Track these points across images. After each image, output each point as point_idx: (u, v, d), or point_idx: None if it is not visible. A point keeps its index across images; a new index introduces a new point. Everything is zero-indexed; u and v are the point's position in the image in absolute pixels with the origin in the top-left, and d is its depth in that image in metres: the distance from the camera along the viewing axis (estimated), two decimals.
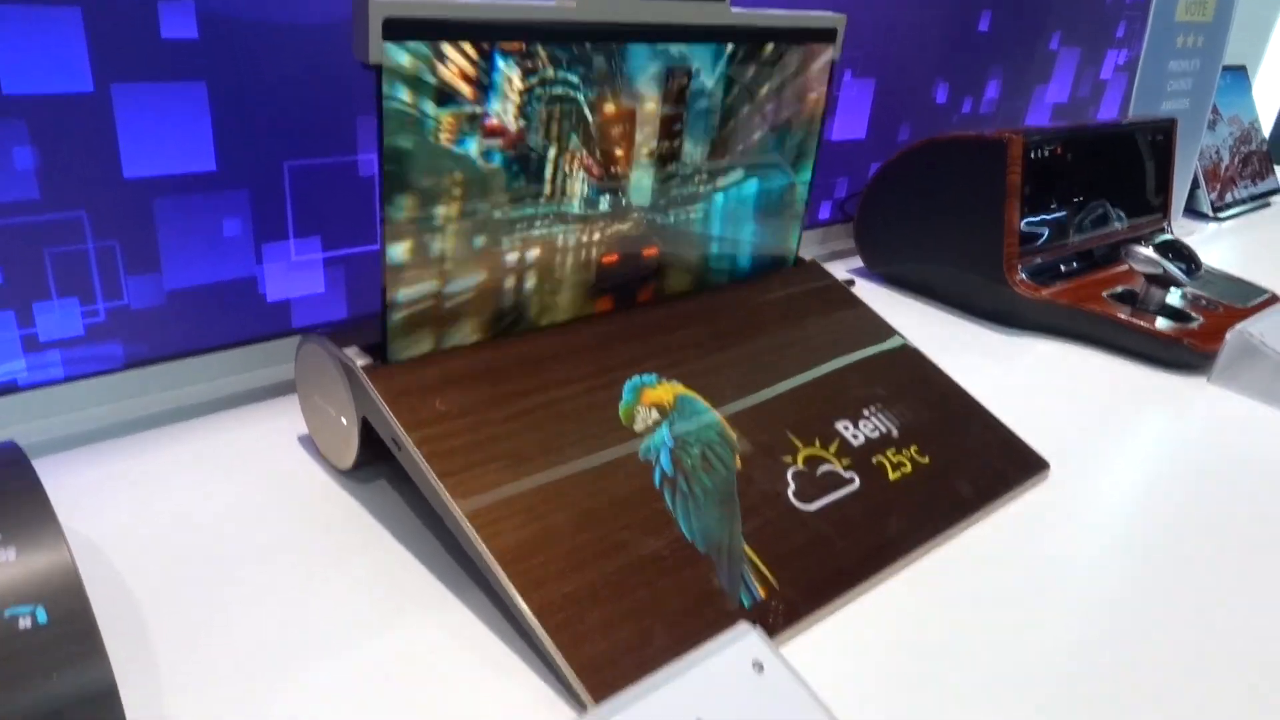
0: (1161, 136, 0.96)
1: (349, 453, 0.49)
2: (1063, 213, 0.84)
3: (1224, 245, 1.15)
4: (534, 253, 0.51)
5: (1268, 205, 1.38)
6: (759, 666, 0.34)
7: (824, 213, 0.98)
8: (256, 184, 0.56)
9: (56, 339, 0.52)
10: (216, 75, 0.52)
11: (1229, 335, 0.74)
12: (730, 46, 0.54)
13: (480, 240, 0.48)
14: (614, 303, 0.56)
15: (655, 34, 0.50)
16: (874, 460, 0.53)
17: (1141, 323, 0.77)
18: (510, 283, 0.51)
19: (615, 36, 0.49)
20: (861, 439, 0.54)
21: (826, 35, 0.61)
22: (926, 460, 0.54)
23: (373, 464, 0.51)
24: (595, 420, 0.49)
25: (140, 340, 0.55)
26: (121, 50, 0.49)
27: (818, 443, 0.53)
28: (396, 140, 0.43)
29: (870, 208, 0.88)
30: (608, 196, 0.53)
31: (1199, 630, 0.45)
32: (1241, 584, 0.49)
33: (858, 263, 0.93)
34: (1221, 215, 1.26)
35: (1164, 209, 0.99)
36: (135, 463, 0.51)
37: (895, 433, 0.55)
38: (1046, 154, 0.81)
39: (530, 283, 0.51)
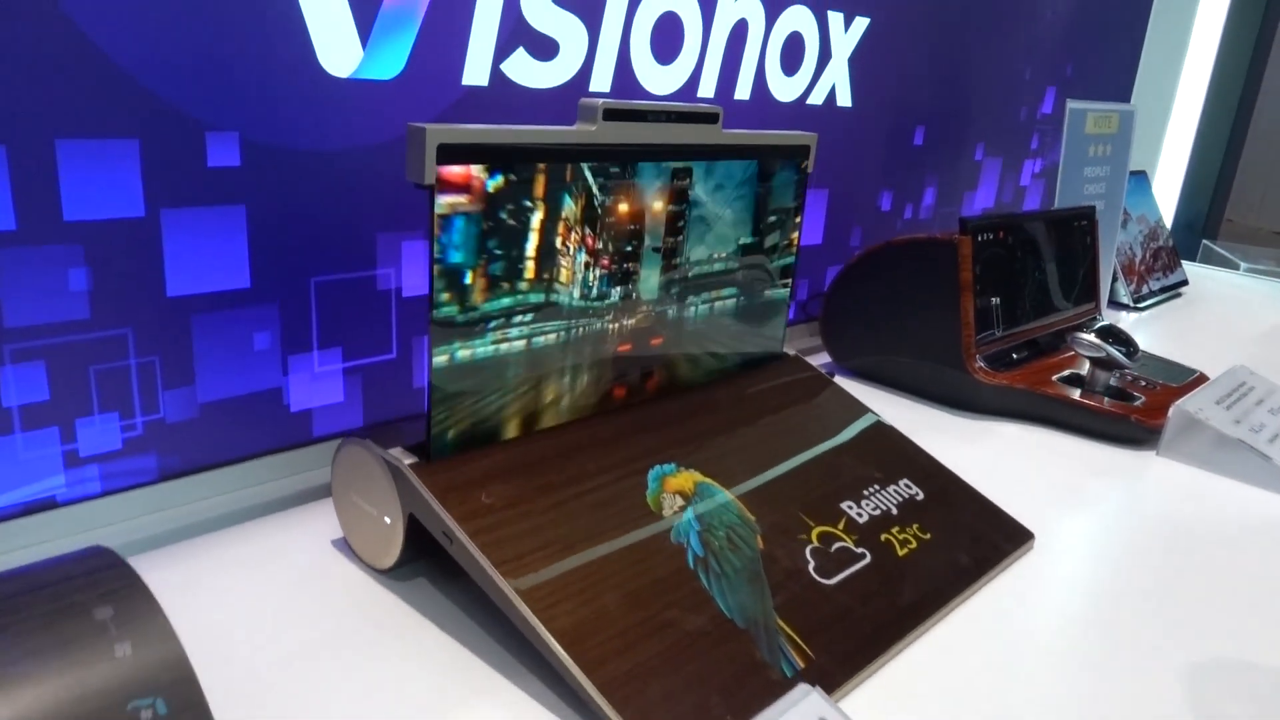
0: (1085, 222, 1.06)
1: (391, 551, 0.51)
2: (1009, 302, 0.92)
3: (1148, 332, 1.25)
4: (565, 350, 0.55)
5: (1179, 295, 1.50)
6: None
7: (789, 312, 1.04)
8: (285, 299, 0.59)
9: (96, 453, 0.53)
10: (254, 198, 0.56)
11: (1171, 411, 0.81)
12: (725, 168, 0.61)
13: (519, 344, 0.52)
14: (626, 392, 0.60)
15: (660, 153, 0.56)
16: (882, 538, 0.57)
17: (1093, 403, 0.83)
18: (544, 380, 0.54)
19: (629, 155, 0.54)
20: (866, 517, 0.58)
21: (802, 152, 0.67)
22: (928, 536, 0.58)
23: (409, 563, 0.53)
24: (627, 507, 0.52)
25: (174, 452, 0.57)
26: (172, 177, 0.52)
27: (828, 521, 0.57)
28: (446, 253, 0.47)
29: (835, 306, 0.94)
30: (622, 290, 0.57)
31: (1171, 671, 0.50)
32: (1204, 632, 0.54)
33: (824, 358, 0.99)
34: (1141, 305, 1.37)
35: (1094, 297, 1.08)
36: (173, 572, 0.52)
37: (895, 511, 0.60)
38: (991, 239, 0.89)
39: (561, 378, 0.55)
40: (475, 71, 0.65)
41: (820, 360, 0.99)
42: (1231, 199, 2.24)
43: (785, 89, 0.92)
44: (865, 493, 0.60)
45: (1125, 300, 1.36)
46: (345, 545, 0.55)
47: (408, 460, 0.49)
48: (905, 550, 0.57)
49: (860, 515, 0.58)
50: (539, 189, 0.50)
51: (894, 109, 1.09)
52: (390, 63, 0.60)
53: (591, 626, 0.44)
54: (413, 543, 0.51)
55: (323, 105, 0.58)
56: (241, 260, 0.57)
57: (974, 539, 0.60)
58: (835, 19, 0.95)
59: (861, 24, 0.98)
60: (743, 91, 0.87)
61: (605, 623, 0.45)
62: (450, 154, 0.46)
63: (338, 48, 0.57)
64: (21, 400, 0.50)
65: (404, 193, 0.63)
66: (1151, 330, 1.26)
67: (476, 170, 0.47)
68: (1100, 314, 1.08)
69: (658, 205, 0.57)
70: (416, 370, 0.68)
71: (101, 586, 0.35)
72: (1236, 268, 1.89)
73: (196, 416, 0.57)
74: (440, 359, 0.49)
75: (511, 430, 0.53)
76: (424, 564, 0.54)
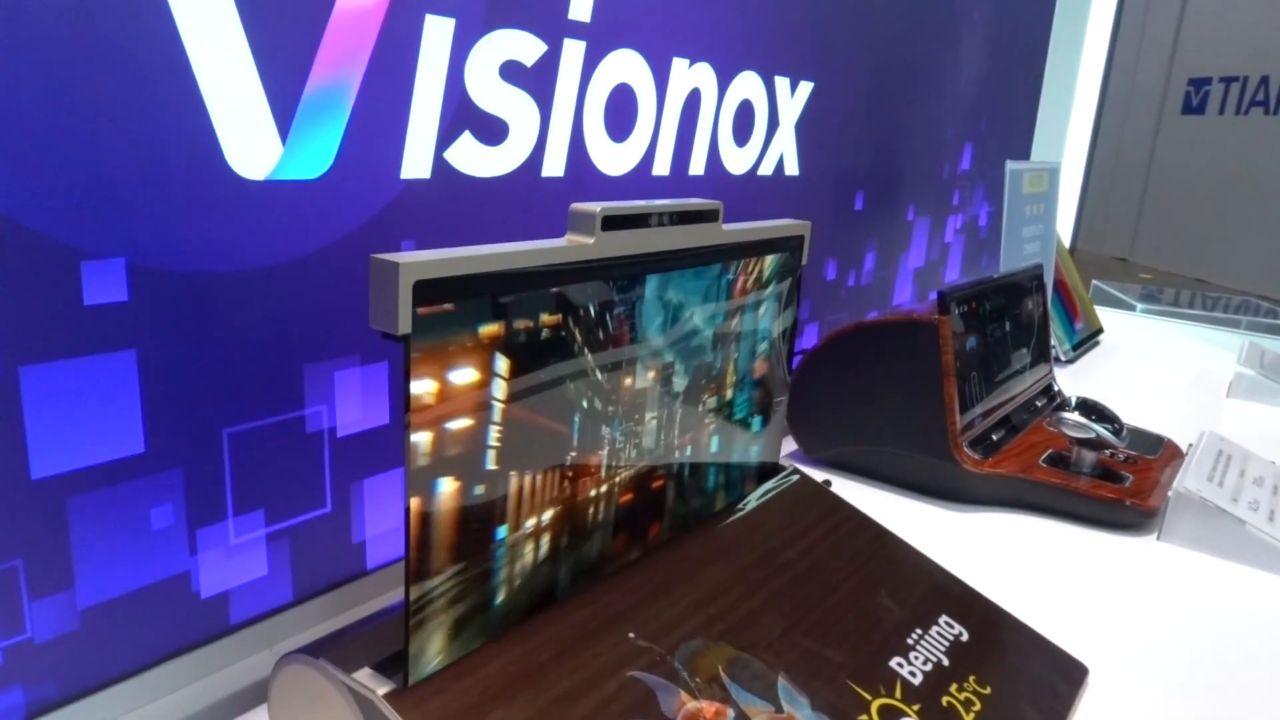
0: (1036, 282, 1.02)
1: None
2: (982, 376, 0.86)
3: (1090, 391, 1.23)
4: (562, 509, 0.44)
5: (1098, 344, 1.50)
6: None
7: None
8: (191, 460, 0.46)
9: None
10: (147, 339, 0.43)
11: (1171, 495, 0.76)
12: (720, 272, 0.52)
13: (510, 510, 0.41)
14: (627, 542, 0.50)
15: (663, 261, 0.47)
16: (944, 701, 0.48)
17: (1089, 489, 0.78)
18: (542, 547, 0.43)
19: (631, 266, 0.45)
20: (920, 676, 0.49)
21: (797, 242, 0.59)
22: (988, 691, 0.50)
23: None
24: (662, 712, 0.41)
25: (47, 679, 0.43)
26: (34, 323, 0.39)
27: (883, 689, 0.47)
28: (423, 417, 0.36)
29: (801, 393, 0.87)
30: (623, 436, 0.47)
31: None
32: None
33: (789, 445, 0.91)
34: (1072, 359, 1.36)
35: (1047, 357, 1.04)
36: None
37: (946, 661, 0.51)
38: (964, 310, 0.83)
39: (560, 541, 0.44)
40: (415, 162, 0.54)
41: (787, 449, 0.91)
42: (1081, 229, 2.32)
43: (737, 160, 0.85)
44: (910, 641, 0.52)
45: (1058, 354, 1.34)
46: None
47: (382, 689, 0.37)
48: (971, 714, 0.48)
49: (914, 675, 0.49)
50: (530, 326, 0.40)
51: (837, 174, 1.03)
52: (316, 158, 0.49)
53: None
54: None
55: (233, 215, 0.46)
56: (133, 418, 0.44)
57: (1033, 685, 0.52)
58: (782, 84, 0.88)
59: (806, 89, 0.92)
60: (697, 166, 0.79)
61: None
62: (431, 292, 0.35)
63: (251, 144, 0.46)
64: None
65: (334, 313, 0.52)
66: (1091, 389, 1.24)
67: (462, 313, 0.36)
68: (1052, 371, 1.05)
69: (655, 341, 0.48)
70: (356, 523, 0.56)
71: None
72: (1133, 309, 1.94)
73: (77, 628, 0.43)
74: (422, 542, 0.37)
75: (503, 612, 0.42)
76: None
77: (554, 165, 0.64)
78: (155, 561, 0.46)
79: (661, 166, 0.75)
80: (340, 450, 0.54)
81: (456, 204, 0.57)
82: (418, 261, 0.34)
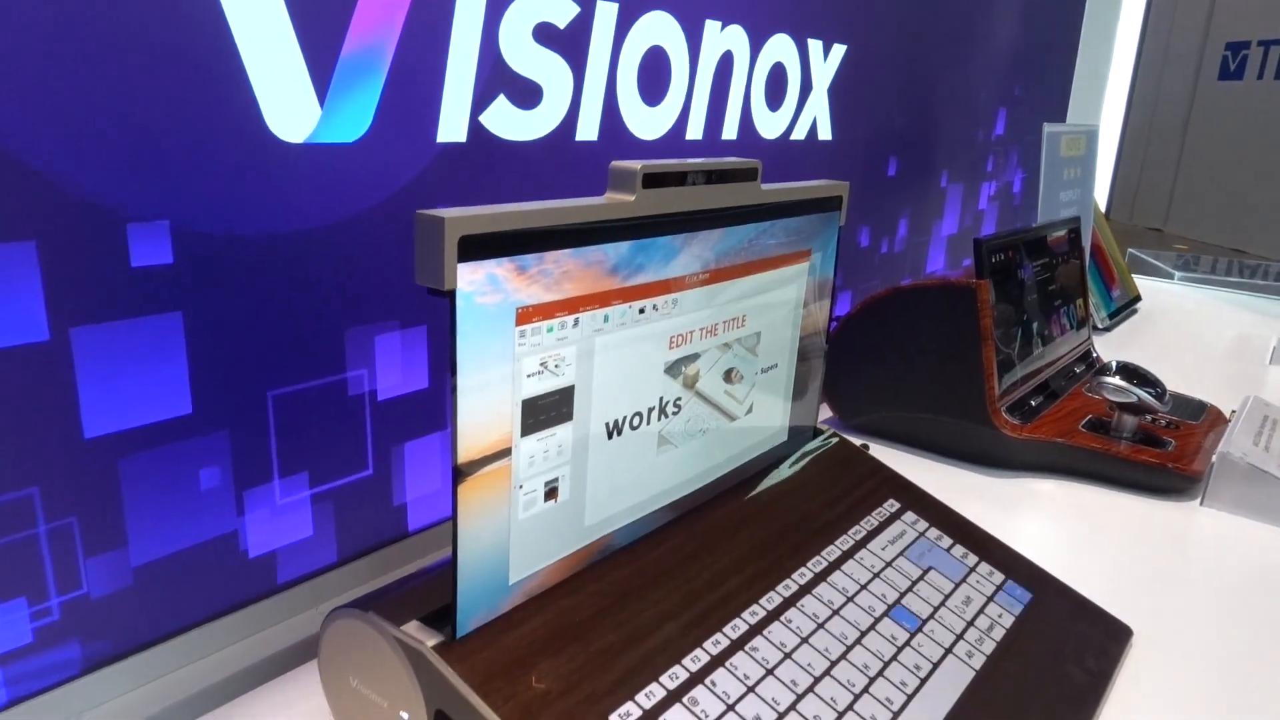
0: (1074, 235, 1.01)
1: None
2: (1021, 337, 0.85)
3: (1130, 357, 1.21)
4: (614, 464, 0.44)
5: (1136, 312, 1.48)
6: None
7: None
8: (237, 422, 0.47)
9: None
10: (193, 302, 0.44)
11: (1216, 459, 0.75)
12: (760, 234, 0.51)
13: (564, 468, 0.41)
14: (670, 502, 0.50)
15: (701, 220, 0.46)
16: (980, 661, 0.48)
17: (1132, 454, 0.77)
18: (586, 503, 0.44)
19: (670, 225, 0.44)
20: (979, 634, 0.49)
21: (835, 202, 0.59)
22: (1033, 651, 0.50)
23: None
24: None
25: (103, 635, 0.44)
26: (84, 286, 0.40)
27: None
28: (478, 369, 0.36)
29: (837, 359, 0.86)
30: (682, 392, 0.47)
31: None
32: None
33: (824, 412, 0.90)
34: (1109, 325, 1.34)
35: (1086, 319, 1.02)
36: None
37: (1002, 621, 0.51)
38: (1000, 261, 0.82)
39: (607, 495, 0.45)
40: (451, 126, 0.54)
41: (822, 416, 0.90)
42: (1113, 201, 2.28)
43: (770, 125, 0.84)
44: (960, 604, 0.52)
45: (1095, 322, 1.32)
46: None
47: (430, 640, 0.38)
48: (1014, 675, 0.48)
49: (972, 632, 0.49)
50: (576, 278, 0.40)
51: (870, 140, 1.02)
52: (353, 122, 0.49)
53: None
54: None
55: (273, 178, 0.46)
56: (180, 380, 0.44)
57: (1078, 645, 0.52)
58: (815, 47, 0.87)
59: (839, 51, 0.91)
60: (730, 130, 0.78)
61: None
62: (474, 247, 0.35)
63: (290, 107, 0.46)
64: None
65: (374, 277, 0.52)
66: (1129, 357, 1.22)
67: (503, 265, 0.36)
68: (1091, 337, 1.03)
69: (718, 296, 0.48)
70: (397, 486, 0.56)
71: None
72: (1170, 277, 1.90)
73: (130, 585, 0.44)
74: (468, 496, 0.37)
75: (549, 574, 0.43)
76: None
77: (588, 129, 0.64)
78: (204, 521, 0.47)
79: (695, 130, 0.74)
80: (381, 414, 0.54)
81: (492, 168, 0.57)
82: (463, 216, 0.34)
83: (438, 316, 0.56)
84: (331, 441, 0.52)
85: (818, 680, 0.43)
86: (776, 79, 0.83)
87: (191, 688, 0.47)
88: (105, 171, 0.40)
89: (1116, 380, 0.79)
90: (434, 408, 0.57)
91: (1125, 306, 1.43)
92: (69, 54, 0.38)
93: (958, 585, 0.53)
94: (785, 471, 0.58)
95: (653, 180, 0.43)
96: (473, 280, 0.35)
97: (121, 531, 0.43)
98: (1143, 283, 1.65)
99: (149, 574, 0.45)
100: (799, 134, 0.88)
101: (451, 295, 0.35)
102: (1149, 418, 0.84)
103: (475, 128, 0.56)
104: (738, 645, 0.43)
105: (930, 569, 0.54)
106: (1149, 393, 0.79)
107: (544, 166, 0.61)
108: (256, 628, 0.50)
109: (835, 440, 0.63)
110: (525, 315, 0.38)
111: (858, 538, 0.54)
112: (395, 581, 0.43)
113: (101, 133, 0.39)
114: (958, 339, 0.79)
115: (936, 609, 0.51)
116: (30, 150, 0.37)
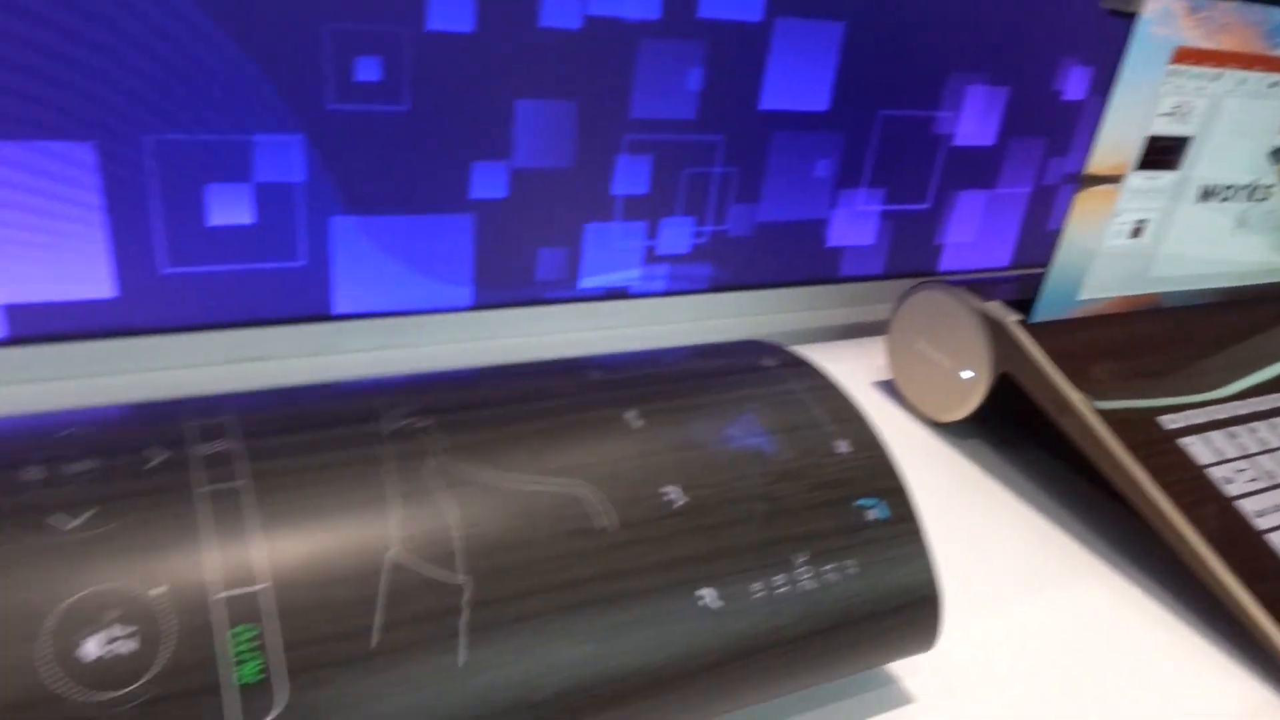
0: None
1: (964, 406, 0.49)
2: None
3: None
4: (1198, 221, 0.48)
5: None
6: None
7: None
8: (851, 129, 0.57)
9: (667, 254, 0.55)
10: (854, 14, 0.53)
11: None
12: None
13: (1155, 213, 0.46)
14: (1227, 296, 0.53)
15: None
16: None
17: None
18: (1164, 249, 0.48)
19: None
20: None
21: None
22: None
23: (969, 422, 0.51)
24: None
25: (725, 266, 0.57)
26: None
27: None
28: (1129, 93, 0.41)
29: None
30: (1271, 175, 0.49)
31: None
32: None
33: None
34: None
35: None
36: None
37: None
38: None
39: (1176, 250, 0.49)
40: None
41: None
42: None
43: None
44: None
45: None
46: (889, 389, 0.54)
47: (1012, 317, 0.46)
48: None
49: None
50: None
51: None
52: None
53: (1240, 534, 0.39)
54: (984, 402, 0.48)
55: None
56: (825, 81, 0.54)
57: None
58: None
59: None
60: None
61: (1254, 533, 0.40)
62: None
63: None
64: (626, 191, 0.52)
65: (974, 30, 0.58)
66: None
67: (1180, 1, 0.41)
68: None
69: None
70: (943, 227, 0.64)
71: (801, 381, 0.35)
72: None
73: (750, 235, 0.57)
74: (1081, 209, 0.44)
75: (1105, 306, 0.48)
76: (982, 424, 0.51)
77: None
78: (807, 203, 0.58)
79: None
80: (952, 157, 0.61)
81: None
82: None
83: (1020, 80, 0.60)
84: (908, 169, 0.60)
85: None
86: None
87: (770, 329, 0.59)
88: None
89: None
90: (991, 166, 0.63)
91: None
92: None
93: None
94: None
95: None
96: (1154, 9, 0.40)
97: (758, 190, 0.56)
98: None
99: (764, 231, 0.57)
100: None
101: (1136, 17, 0.40)
102: None
103: None
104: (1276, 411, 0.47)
105: None
106: None
107: None
108: (821, 305, 0.61)
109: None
110: (1181, 55, 0.42)
111: None
112: (961, 280, 0.51)
113: None
114: None
115: None
116: None
